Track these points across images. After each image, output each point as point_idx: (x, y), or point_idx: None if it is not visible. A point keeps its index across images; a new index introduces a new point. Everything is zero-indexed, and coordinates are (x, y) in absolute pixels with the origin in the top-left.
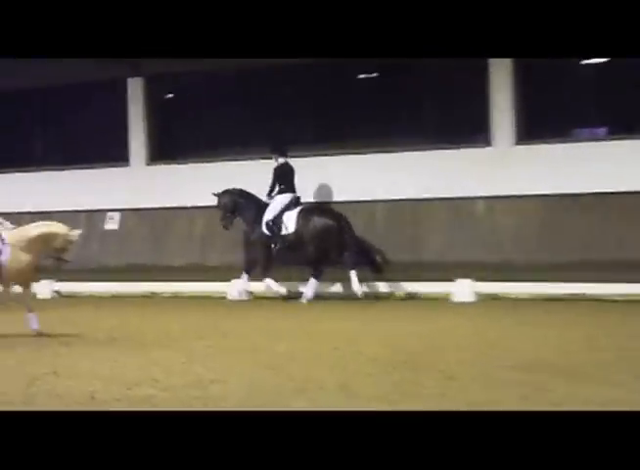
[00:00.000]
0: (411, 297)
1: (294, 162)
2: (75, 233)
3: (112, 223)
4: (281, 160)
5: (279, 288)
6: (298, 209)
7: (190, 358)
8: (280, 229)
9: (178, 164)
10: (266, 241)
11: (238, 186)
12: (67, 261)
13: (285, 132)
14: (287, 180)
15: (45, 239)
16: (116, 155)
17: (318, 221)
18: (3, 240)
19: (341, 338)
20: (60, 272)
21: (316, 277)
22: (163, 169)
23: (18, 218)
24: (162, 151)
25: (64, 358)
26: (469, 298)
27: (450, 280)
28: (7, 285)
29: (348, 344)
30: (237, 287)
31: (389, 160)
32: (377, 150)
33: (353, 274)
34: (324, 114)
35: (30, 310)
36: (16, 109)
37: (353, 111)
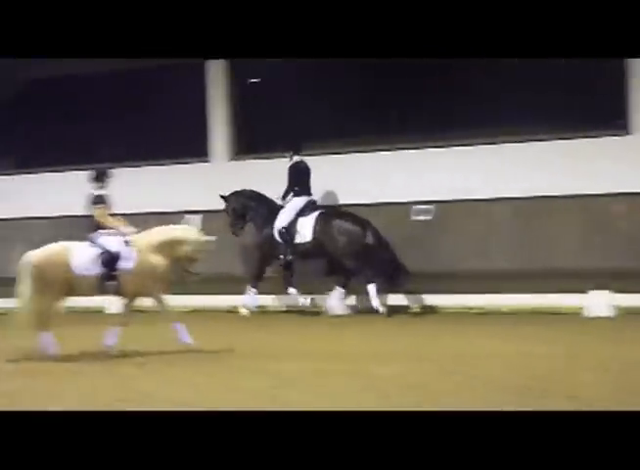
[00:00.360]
0: (537, 311)
1: (400, 154)
2: (208, 239)
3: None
4: (296, 158)
5: (253, 302)
6: (316, 213)
7: (279, 383)
8: (293, 237)
9: (267, 158)
10: (274, 249)
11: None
12: (196, 274)
13: (390, 122)
14: (302, 181)
15: (175, 244)
16: (195, 149)
17: (342, 226)
18: (128, 243)
19: (456, 358)
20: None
21: (370, 283)
22: (250, 165)
23: (142, 220)
24: (248, 144)
25: (137, 381)
26: (605, 312)
27: (583, 291)
28: (133, 296)
29: (465, 366)
30: (333, 303)
31: (511, 152)
32: (493, 140)
33: (372, 289)
34: (431, 100)
35: (175, 320)
36: (75, 100)
37: (463, 96)
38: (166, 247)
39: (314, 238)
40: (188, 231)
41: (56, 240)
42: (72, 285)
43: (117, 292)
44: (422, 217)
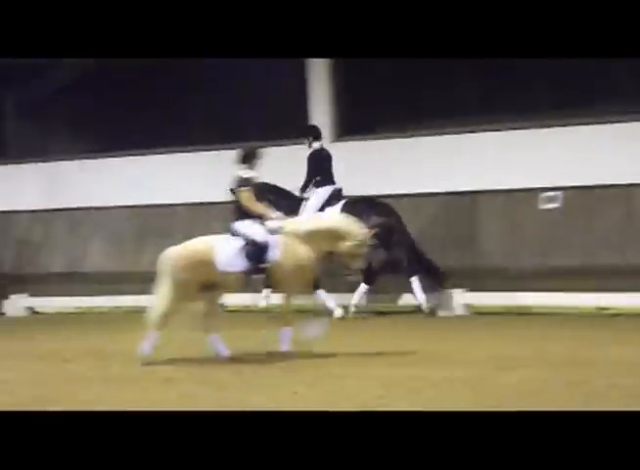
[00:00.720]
0: None
1: (514, 134)
2: (367, 233)
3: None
4: (315, 144)
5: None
6: (342, 203)
7: (390, 391)
8: None
9: (376, 139)
10: None
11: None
12: (356, 272)
13: (517, 98)
14: (324, 169)
15: (330, 236)
16: (294, 130)
17: (368, 219)
18: (275, 231)
19: (583, 366)
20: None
21: (367, 284)
22: (356, 147)
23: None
24: (354, 123)
25: (231, 390)
26: None
27: None
28: (281, 290)
29: (594, 374)
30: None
31: None
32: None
33: (415, 282)
34: (569, 75)
35: (287, 324)
36: (162, 80)
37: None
38: (320, 238)
39: None
40: (348, 221)
41: (138, 233)
42: (216, 283)
43: (267, 286)
44: (550, 205)
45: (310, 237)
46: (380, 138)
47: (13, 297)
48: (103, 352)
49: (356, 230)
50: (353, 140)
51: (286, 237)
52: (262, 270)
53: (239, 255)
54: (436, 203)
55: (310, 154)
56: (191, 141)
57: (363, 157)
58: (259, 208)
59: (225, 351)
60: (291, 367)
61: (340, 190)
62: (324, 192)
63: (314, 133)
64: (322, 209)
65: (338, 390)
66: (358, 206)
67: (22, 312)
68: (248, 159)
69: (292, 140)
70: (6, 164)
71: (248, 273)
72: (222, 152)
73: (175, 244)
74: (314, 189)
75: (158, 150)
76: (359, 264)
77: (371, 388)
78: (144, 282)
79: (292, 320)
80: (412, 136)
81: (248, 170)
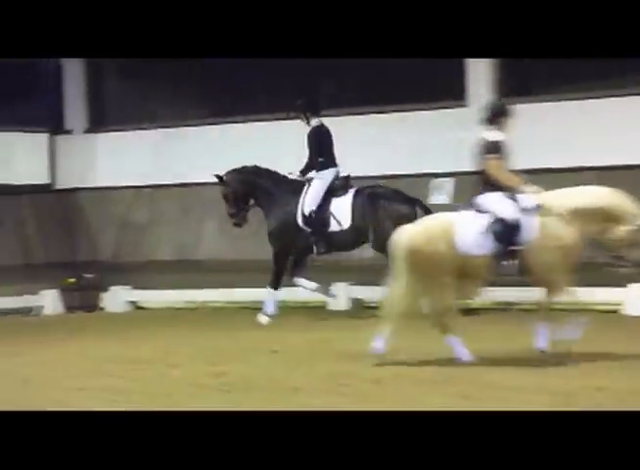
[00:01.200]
0: None
1: None
2: None
3: (440, 194)
4: (314, 121)
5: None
6: (353, 192)
7: (564, 405)
8: (326, 224)
9: (539, 101)
10: (296, 239)
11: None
12: (629, 263)
13: None
14: (325, 149)
15: (601, 216)
16: (447, 92)
17: (391, 208)
18: (531, 207)
19: None
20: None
21: None
22: (519, 110)
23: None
24: (515, 84)
25: (368, 404)
26: None
27: None
28: (538, 280)
29: None
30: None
31: None
32: None
33: None
34: None
35: (543, 319)
36: None
37: None
38: (587, 218)
39: (355, 227)
40: (623, 199)
41: (260, 214)
42: (459, 268)
43: (520, 274)
44: None
45: (575, 216)
46: (543, 100)
47: (113, 289)
48: (216, 354)
49: (631, 208)
50: (515, 102)
51: (544, 215)
52: (514, 254)
53: (485, 235)
54: (628, 177)
55: (310, 132)
56: (325, 105)
57: (525, 120)
58: (511, 178)
59: (467, 354)
60: (441, 376)
61: (347, 177)
62: (328, 175)
63: (312, 108)
64: (326, 196)
65: (497, 403)
66: (374, 195)
67: (123, 307)
68: (496, 118)
69: (447, 102)
70: (107, 131)
71: (496, 258)
72: (371, 116)
73: None
74: (316, 173)
75: (285, 114)
76: (637, 254)
77: (539, 401)
78: (266, 272)
79: (547, 315)
80: (597, 97)
81: (496, 132)
